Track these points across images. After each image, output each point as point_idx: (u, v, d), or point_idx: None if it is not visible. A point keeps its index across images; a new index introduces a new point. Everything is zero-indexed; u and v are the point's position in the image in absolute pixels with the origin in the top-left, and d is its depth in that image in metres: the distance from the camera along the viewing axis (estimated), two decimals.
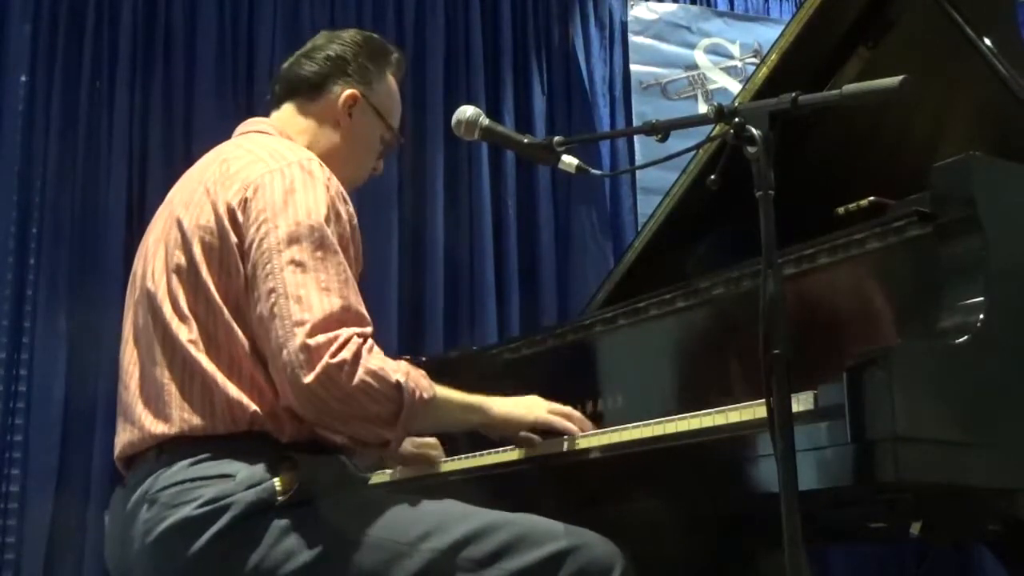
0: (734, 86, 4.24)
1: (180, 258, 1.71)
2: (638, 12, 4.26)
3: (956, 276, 1.65)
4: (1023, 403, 1.61)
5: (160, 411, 1.67)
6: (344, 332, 1.60)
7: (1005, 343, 1.61)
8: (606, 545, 1.68)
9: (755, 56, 4.27)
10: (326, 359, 1.57)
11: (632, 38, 4.23)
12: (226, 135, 1.96)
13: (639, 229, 3.12)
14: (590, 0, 4.20)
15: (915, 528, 1.67)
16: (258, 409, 1.63)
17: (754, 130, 1.50)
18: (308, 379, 1.56)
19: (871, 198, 1.99)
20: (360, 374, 1.59)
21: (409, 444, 2.07)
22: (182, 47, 3.61)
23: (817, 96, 1.57)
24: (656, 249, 2.55)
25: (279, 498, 1.59)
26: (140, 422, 1.69)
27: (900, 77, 1.48)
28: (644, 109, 4.13)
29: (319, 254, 1.64)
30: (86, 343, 3.29)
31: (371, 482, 2.11)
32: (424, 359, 2.41)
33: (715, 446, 1.66)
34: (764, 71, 2.38)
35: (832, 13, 2.36)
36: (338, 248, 1.67)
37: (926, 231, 1.72)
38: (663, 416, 1.76)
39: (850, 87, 1.55)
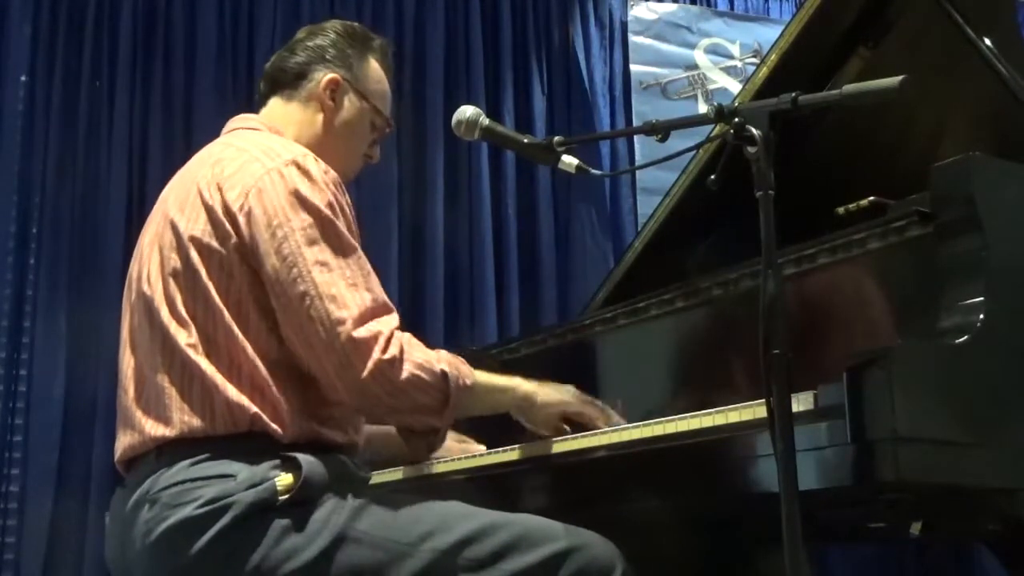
0: (734, 86, 4.24)
1: (176, 261, 1.71)
2: (638, 12, 4.26)
3: (956, 276, 1.65)
4: (1023, 403, 1.61)
5: (160, 414, 1.66)
6: (383, 327, 1.65)
7: (1005, 343, 1.61)
8: (606, 545, 1.68)
9: (755, 56, 4.27)
10: (376, 355, 1.62)
11: (632, 38, 4.23)
12: None
13: (639, 229, 3.12)
14: (590, 0, 4.20)
15: (915, 528, 1.67)
16: (259, 410, 1.63)
17: (754, 130, 1.49)
18: (363, 375, 1.61)
19: (871, 198, 1.99)
20: (408, 368, 1.64)
21: (451, 439, 2.08)
22: (182, 47, 3.61)
23: (817, 96, 1.57)
24: (656, 249, 2.55)
25: (280, 498, 1.59)
26: (140, 426, 1.69)
27: (900, 77, 1.48)
28: (644, 109, 4.13)
29: (339, 251, 1.68)
30: (86, 343, 3.30)
31: (371, 482, 2.11)
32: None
33: (715, 446, 1.66)
34: (764, 71, 2.38)
35: (832, 13, 2.36)
36: (353, 242, 1.71)
37: (926, 231, 1.73)
38: (663, 416, 1.76)
39: (850, 87, 1.55)
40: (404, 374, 1.64)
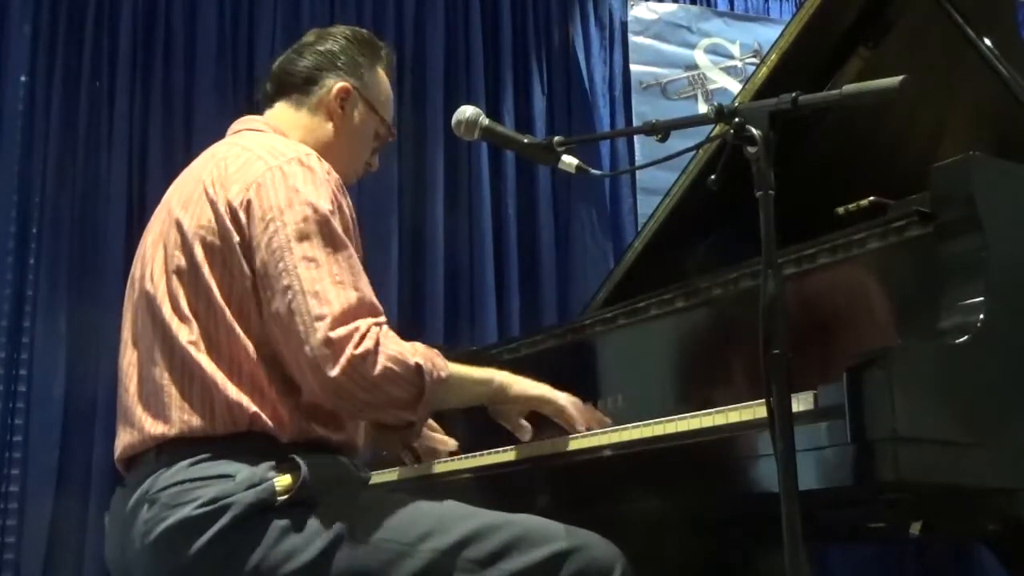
0: (734, 86, 4.24)
1: (180, 259, 1.71)
2: (638, 12, 4.26)
3: (956, 276, 1.65)
4: (1023, 403, 1.61)
5: (160, 412, 1.66)
6: (362, 324, 1.62)
7: (1005, 343, 1.61)
8: (606, 546, 1.68)
9: (755, 56, 4.27)
10: (349, 351, 1.59)
11: (632, 38, 4.23)
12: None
13: (639, 229, 3.12)
14: (590, 0, 4.20)
15: (915, 528, 1.67)
16: (258, 410, 1.63)
17: (754, 130, 1.49)
18: (334, 372, 1.58)
19: (871, 198, 1.99)
20: (382, 361, 1.61)
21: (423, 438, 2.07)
22: (182, 47, 3.61)
23: (817, 96, 1.57)
24: (656, 249, 2.55)
25: (279, 498, 1.59)
26: (140, 424, 1.69)
27: (900, 77, 1.48)
28: (644, 109, 4.14)
29: (329, 249, 1.66)
30: (86, 343, 3.29)
31: (371, 482, 2.11)
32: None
33: (715, 446, 1.66)
34: (764, 71, 2.38)
35: (832, 13, 2.36)
36: (346, 241, 1.69)
37: (926, 231, 1.73)
38: (663, 416, 1.76)
39: (850, 87, 1.55)
40: (377, 368, 1.61)
